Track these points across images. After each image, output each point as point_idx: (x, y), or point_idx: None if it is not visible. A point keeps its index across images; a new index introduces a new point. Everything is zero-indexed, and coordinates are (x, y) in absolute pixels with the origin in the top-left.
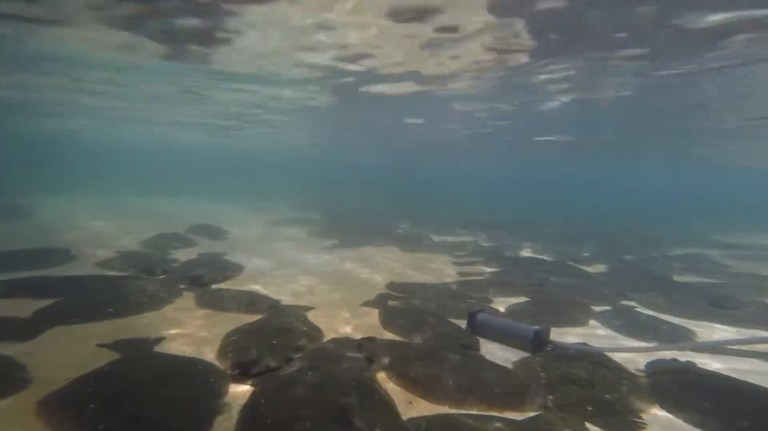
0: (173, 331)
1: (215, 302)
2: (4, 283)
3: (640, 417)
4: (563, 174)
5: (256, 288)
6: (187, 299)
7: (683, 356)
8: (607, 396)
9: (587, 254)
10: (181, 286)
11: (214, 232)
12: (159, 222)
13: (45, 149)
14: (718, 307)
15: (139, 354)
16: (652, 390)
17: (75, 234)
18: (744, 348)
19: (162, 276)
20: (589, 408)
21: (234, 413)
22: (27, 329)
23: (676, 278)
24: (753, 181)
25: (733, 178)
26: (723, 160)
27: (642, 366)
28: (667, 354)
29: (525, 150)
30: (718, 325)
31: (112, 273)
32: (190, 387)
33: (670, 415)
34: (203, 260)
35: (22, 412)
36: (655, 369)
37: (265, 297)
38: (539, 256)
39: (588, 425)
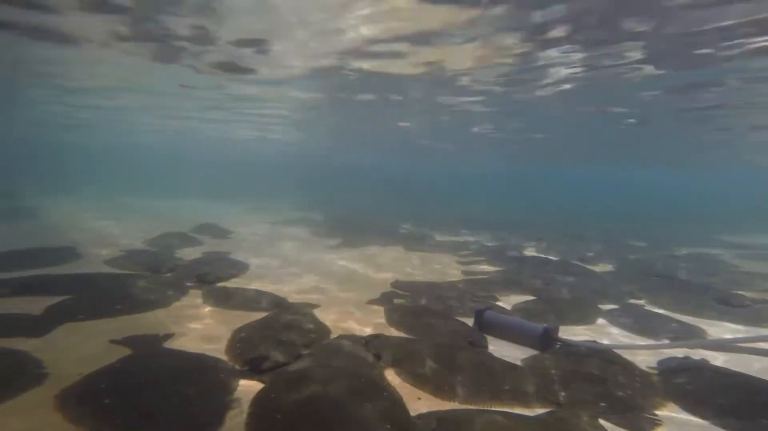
0: (182, 328)
1: (222, 299)
2: (14, 281)
3: (655, 414)
4: (568, 175)
5: (261, 286)
6: (194, 297)
7: (694, 354)
8: (620, 392)
9: (592, 254)
10: (188, 284)
11: (218, 232)
12: (162, 222)
13: (48, 152)
14: (726, 305)
15: (149, 351)
16: (665, 387)
17: (80, 235)
18: (753, 346)
19: (168, 275)
20: (603, 404)
21: (245, 408)
22: (39, 325)
23: (683, 277)
24: (757, 181)
25: (738, 179)
26: (727, 161)
27: (654, 364)
28: (678, 352)
29: (528, 150)
30: (726, 323)
31: (119, 271)
32: (201, 383)
33: (685, 412)
34: (209, 259)
35: (41, 406)
36: (668, 366)
37: (271, 295)
38: (544, 255)
39: (602, 421)
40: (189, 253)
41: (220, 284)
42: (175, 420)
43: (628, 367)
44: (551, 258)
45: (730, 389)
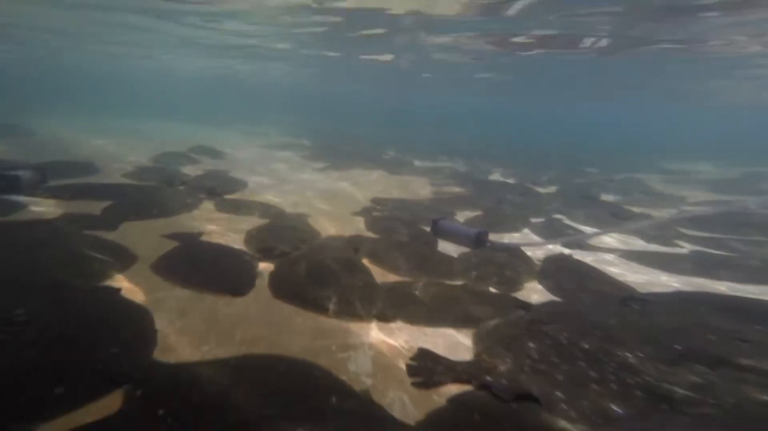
0: (205, 229)
1: (232, 208)
2: (68, 188)
3: (523, 286)
4: (545, 111)
5: (260, 199)
6: (208, 206)
7: (576, 254)
8: (509, 273)
9: (546, 178)
10: (201, 196)
11: (214, 153)
12: (158, 143)
13: (30, 72)
14: (614, 217)
15: (193, 242)
16: (539, 271)
17: (84, 151)
18: (613, 247)
19: (182, 187)
20: (495, 280)
21: (265, 277)
22: (106, 223)
23: (603, 197)
24: (718, 117)
25: (692, 115)
26: (693, 98)
27: (542, 258)
28: (561, 249)
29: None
30: (610, 231)
31: (139, 183)
32: (237, 260)
33: (539, 285)
34: (212, 175)
35: (144, 274)
36: (547, 258)
37: (270, 206)
38: (504, 179)
39: (491, 288)
40: (192, 170)
41: (226, 197)
42: (228, 278)
43: (524, 258)
44: (510, 181)
45: (573, 273)
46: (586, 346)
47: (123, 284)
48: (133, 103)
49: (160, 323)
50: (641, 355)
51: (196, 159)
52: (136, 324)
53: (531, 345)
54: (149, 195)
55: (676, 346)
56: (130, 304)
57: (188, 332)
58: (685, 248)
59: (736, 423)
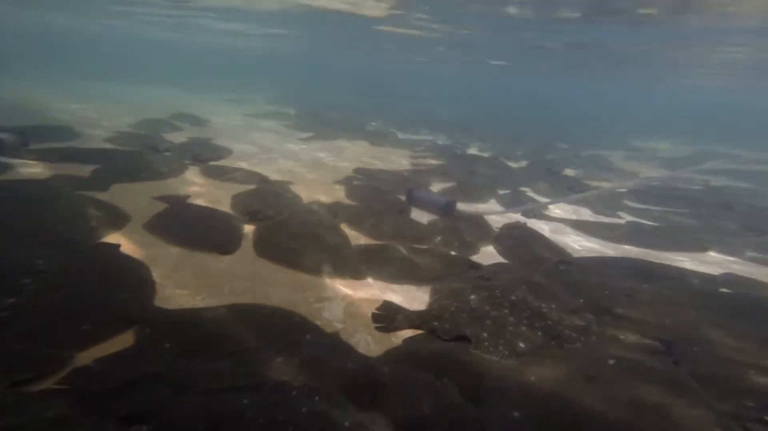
0: (192, 193)
1: (218, 174)
2: (56, 151)
3: (479, 250)
4: (528, 85)
5: (245, 166)
6: (194, 171)
7: (531, 223)
8: (469, 238)
9: (520, 153)
10: (186, 161)
11: (196, 120)
12: (138, 108)
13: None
14: (571, 191)
15: (181, 204)
16: (495, 237)
17: (58, 115)
18: (565, 217)
19: (167, 153)
20: (456, 244)
21: (250, 237)
22: (96, 185)
23: (567, 172)
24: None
25: (662, 92)
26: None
27: (500, 225)
28: (518, 217)
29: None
30: (562, 202)
31: (123, 148)
32: (224, 222)
33: (492, 248)
34: (196, 142)
35: (139, 231)
36: (504, 226)
37: (255, 173)
38: (481, 154)
39: (452, 252)
40: (175, 137)
41: (211, 163)
42: (217, 237)
43: (483, 225)
44: (485, 155)
45: (522, 238)
46: (513, 298)
47: (120, 241)
48: (102, 65)
49: (157, 276)
50: (552, 306)
51: (178, 126)
52: (137, 275)
53: (472, 297)
54: (136, 159)
55: (580, 299)
56: (130, 259)
57: (183, 284)
58: (624, 219)
59: (590, 354)
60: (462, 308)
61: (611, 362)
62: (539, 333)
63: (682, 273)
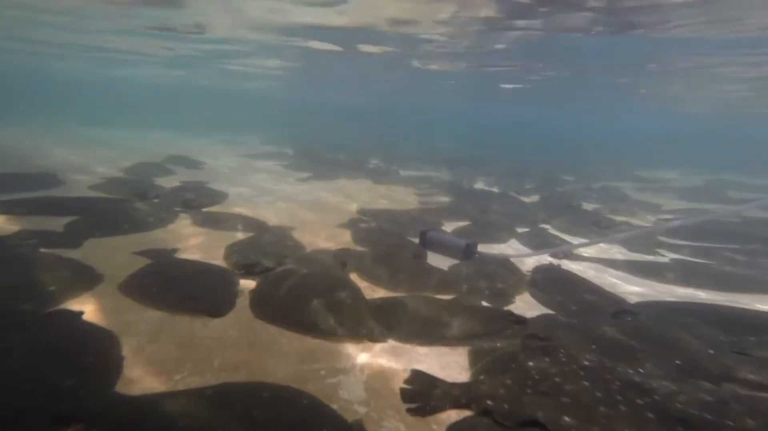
0: (183, 244)
1: (211, 222)
2: (25, 202)
3: (515, 298)
4: (525, 118)
5: (241, 211)
6: (185, 220)
7: (563, 263)
8: (500, 285)
9: (529, 186)
10: (176, 209)
11: (191, 163)
12: (129, 152)
13: None
14: (596, 226)
15: (167, 259)
16: (529, 282)
17: (44, 161)
18: (598, 256)
19: (156, 200)
20: (486, 293)
21: (246, 295)
22: (70, 240)
23: (585, 206)
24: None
25: (658, 121)
26: (660, 103)
27: (531, 268)
28: (548, 258)
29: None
30: (597, 242)
31: (108, 196)
32: (216, 278)
33: (531, 297)
34: (189, 187)
35: (111, 294)
36: (536, 269)
37: (252, 219)
38: (489, 188)
39: (483, 302)
40: (167, 182)
41: (204, 209)
42: (206, 298)
43: (513, 270)
44: (494, 190)
45: (563, 284)
46: (587, 363)
47: (86, 307)
48: (98, 110)
49: (128, 349)
50: (643, 371)
51: (171, 170)
52: (98, 350)
53: (530, 364)
54: (119, 209)
55: (676, 361)
56: (92, 329)
57: (159, 359)
58: (666, 257)
59: None
60: (521, 380)
61: None
62: (649, 414)
63: None
